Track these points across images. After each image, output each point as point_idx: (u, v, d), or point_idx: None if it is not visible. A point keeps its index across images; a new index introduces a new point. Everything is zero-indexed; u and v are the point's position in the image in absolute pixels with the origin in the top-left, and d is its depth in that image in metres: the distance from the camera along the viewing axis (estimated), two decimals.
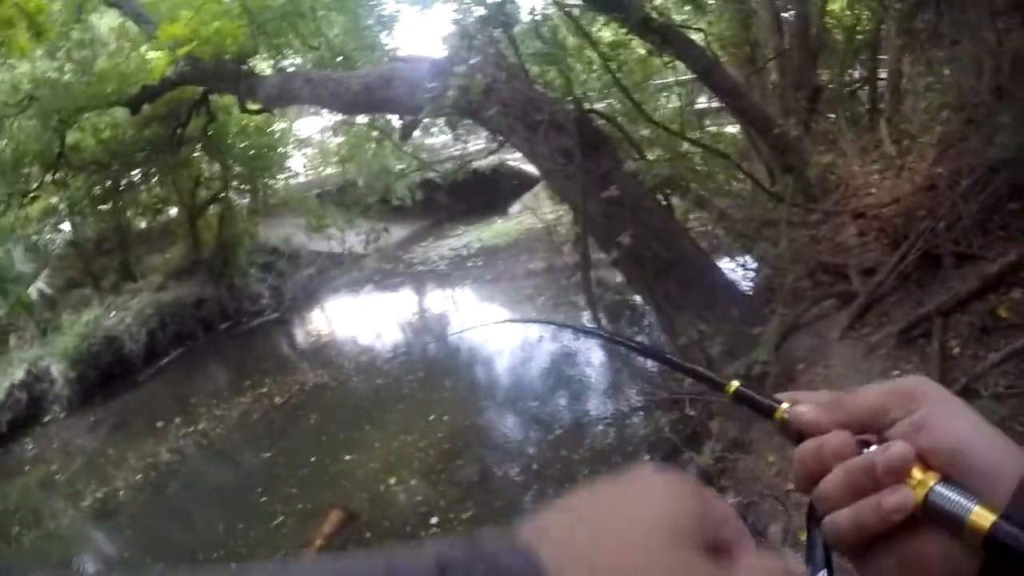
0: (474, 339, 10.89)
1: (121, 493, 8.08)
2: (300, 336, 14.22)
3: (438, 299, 14.64)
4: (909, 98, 7.93)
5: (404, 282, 15.82)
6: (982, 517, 0.43)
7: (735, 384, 0.60)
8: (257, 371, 11.39)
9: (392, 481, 6.86)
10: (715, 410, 5.28)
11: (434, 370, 9.88)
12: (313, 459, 7.76)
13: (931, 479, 0.46)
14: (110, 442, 9.96)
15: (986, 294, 4.38)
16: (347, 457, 7.58)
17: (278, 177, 16.81)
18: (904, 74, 8.23)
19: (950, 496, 0.45)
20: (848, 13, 10.40)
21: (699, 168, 7.03)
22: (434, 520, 6.09)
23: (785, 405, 0.55)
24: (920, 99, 7.51)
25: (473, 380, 9.37)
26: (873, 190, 6.48)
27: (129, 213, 15.55)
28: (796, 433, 0.54)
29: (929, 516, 0.46)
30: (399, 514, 6.38)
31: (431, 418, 7.92)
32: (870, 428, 0.51)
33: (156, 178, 15.31)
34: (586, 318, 6.98)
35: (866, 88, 9.97)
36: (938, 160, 6.07)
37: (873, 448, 0.49)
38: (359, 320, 13.85)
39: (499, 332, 10.56)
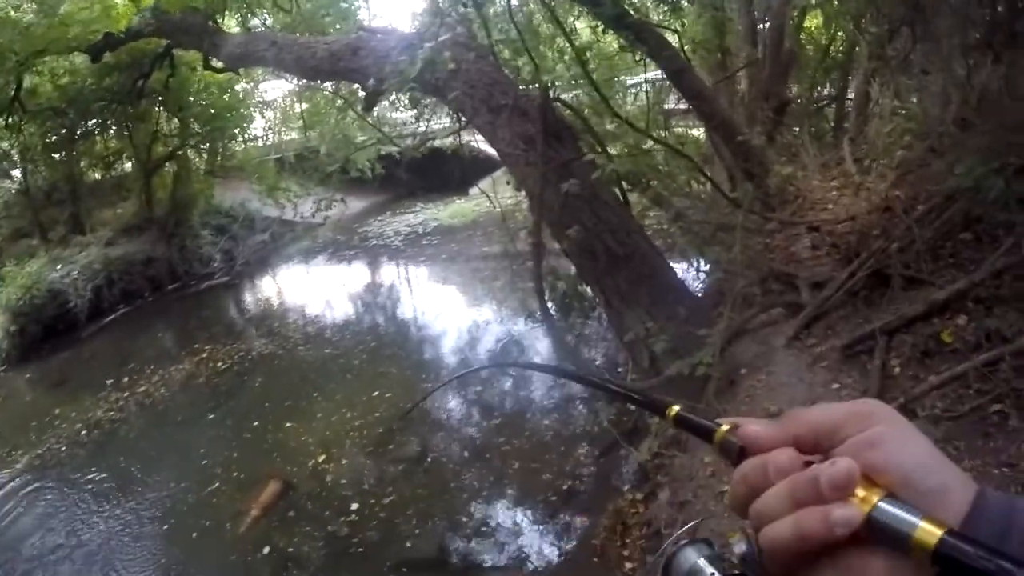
0: (424, 318, 10.86)
1: (62, 450, 7.89)
2: (249, 302, 14.01)
3: (391, 274, 14.55)
4: (874, 121, 8.05)
5: (358, 255, 15.69)
6: (928, 532, 0.43)
7: (675, 408, 0.63)
8: (204, 334, 11.21)
9: (333, 452, 6.84)
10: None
11: (382, 346, 9.82)
12: (256, 424, 7.70)
13: (875, 495, 0.46)
14: (49, 398, 9.70)
15: (931, 318, 4.43)
16: (289, 425, 7.52)
17: (237, 139, 16.49)
18: (872, 97, 8.37)
19: (895, 512, 0.45)
20: (823, 32, 10.56)
21: (661, 167, 7.06)
22: (372, 495, 6.07)
23: (725, 427, 0.56)
24: (885, 123, 7.62)
25: (421, 359, 9.32)
26: (830, 205, 6.58)
27: (82, 164, 15.17)
28: (736, 455, 0.55)
29: (873, 532, 0.46)
30: (337, 486, 6.34)
31: (375, 393, 7.89)
32: (818, 447, 0.51)
33: (112, 130, 14.96)
34: (535, 306, 6.98)
35: (833, 106, 10.14)
36: (897, 183, 6.17)
37: (817, 464, 0.49)
38: (310, 290, 13.71)
39: (451, 314, 10.55)
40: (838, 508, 0.46)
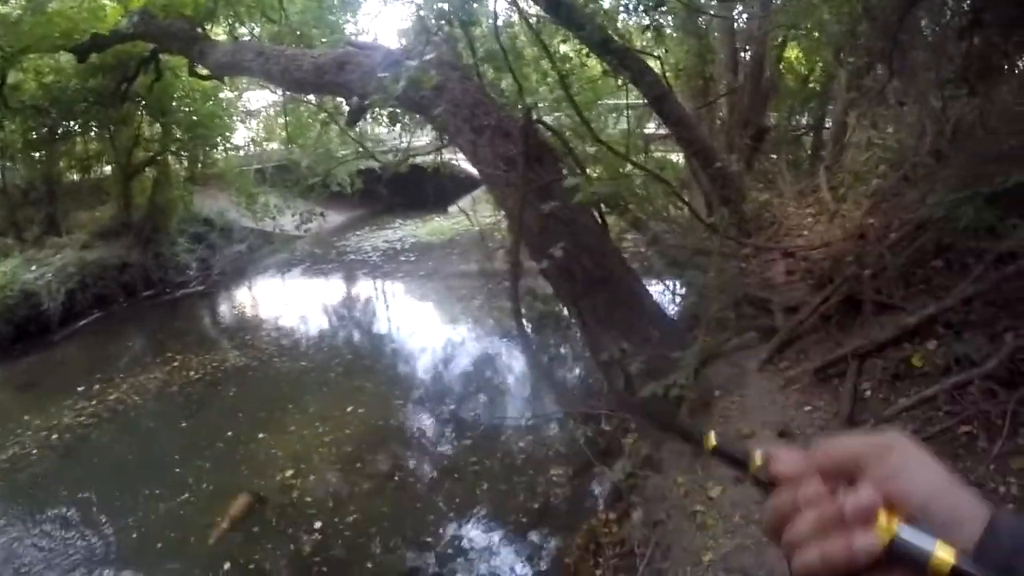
0: (400, 335, 10.85)
1: (27, 454, 7.71)
2: (224, 312, 13.88)
3: (368, 290, 14.54)
4: (851, 150, 8.23)
5: (335, 269, 15.68)
6: (944, 556, 0.48)
7: (713, 441, 0.64)
8: (177, 343, 11.07)
9: (304, 467, 6.77)
10: (629, 427, 5.37)
11: (357, 361, 9.79)
12: (228, 435, 7.60)
13: (895, 522, 0.50)
14: (17, 401, 9.52)
15: (902, 342, 4.53)
16: (261, 437, 7.44)
17: (219, 147, 16.43)
18: (849, 127, 8.54)
19: (915, 536, 0.50)
20: (803, 62, 10.77)
21: (640, 191, 7.14)
22: (340, 512, 6.01)
23: (758, 461, 0.59)
24: (861, 152, 7.80)
25: (395, 376, 9.29)
26: (805, 232, 6.71)
27: (62, 164, 14.98)
28: (770, 484, 0.57)
29: (894, 556, 0.50)
30: (308, 501, 6.26)
31: (349, 409, 7.84)
32: (843, 477, 0.55)
33: (94, 131, 14.78)
34: (511, 325, 7.00)
35: (811, 135, 10.33)
36: (871, 212, 6.32)
37: (843, 493, 0.53)
38: (286, 302, 13.62)
39: (427, 331, 10.55)
40: (860, 537, 0.50)
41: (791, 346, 5.06)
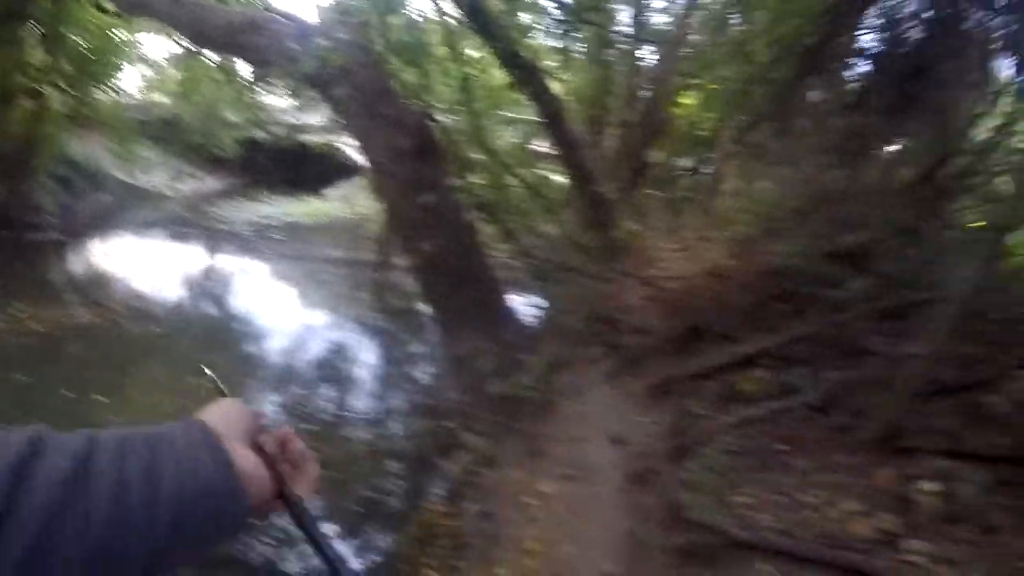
0: (257, 314, 10.60)
1: None
2: (79, 265, 13.01)
3: (232, 263, 14.02)
4: (723, 197, 8.78)
5: (202, 236, 14.96)
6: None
7: (207, 372, 1.16)
8: (24, 291, 10.27)
9: None
10: (472, 425, 5.54)
11: (210, 335, 9.54)
12: (67, 394, 7.14)
13: None
14: None
15: (735, 369, 5.00)
16: (103, 399, 7.09)
17: (106, 89, 15.48)
18: (725, 176, 9.11)
19: None
20: (697, 111, 11.38)
21: (518, 203, 7.34)
22: None
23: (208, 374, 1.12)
24: (732, 201, 8.35)
25: (247, 354, 9.04)
26: (665, 264, 7.13)
27: None
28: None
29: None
30: None
31: (195, 381, 7.56)
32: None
33: None
34: (372, 317, 6.99)
35: (691, 178, 10.91)
36: (730, 254, 6.82)
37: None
38: (146, 263, 12.96)
39: (287, 313, 10.37)
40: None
41: (635, 364, 5.41)
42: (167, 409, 6.88)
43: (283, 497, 0.81)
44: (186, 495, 0.63)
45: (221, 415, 0.84)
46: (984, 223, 5.26)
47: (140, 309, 10.16)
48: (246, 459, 0.76)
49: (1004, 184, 6.22)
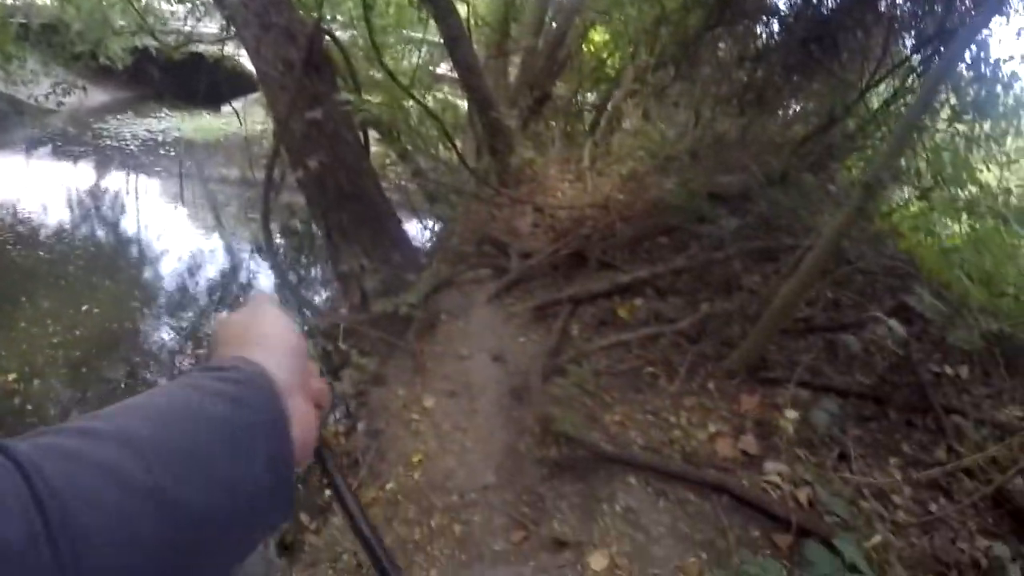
0: (148, 235, 10.23)
1: None
2: None
3: (120, 182, 13.32)
4: (620, 134, 8.94)
5: (87, 154, 14.15)
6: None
7: None
8: None
9: (29, 370, 6.12)
10: (363, 346, 5.59)
11: (99, 258, 9.10)
12: None
13: None
14: None
15: (613, 296, 5.23)
16: None
17: None
18: (625, 113, 9.25)
19: None
20: (603, 46, 11.41)
21: (414, 125, 7.29)
22: (73, 413, 5.59)
23: None
24: (629, 137, 8.52)
25: (137, 278, 8.73)
26: (558, 194, 7.26)
27: None
28: None
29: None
30: (30, 410, 5.66)
31: (84, 308, 7.25)
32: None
33: None
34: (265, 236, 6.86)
35: (591, 113, 11.02)
36: (620, 188, 7.02)
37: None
38: (27, 184, 12.10)
39: (178, 235, 10.04)
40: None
41: (519, 286, 5.56)
42: (56, 339, 6.63)
43: (316, 453, 0.70)
44: (221, 516, 0.50)
45: (279, 339, 0.66)
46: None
47: (24, 233, 9.59)
48: (304, 423, 0.62)
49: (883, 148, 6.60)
